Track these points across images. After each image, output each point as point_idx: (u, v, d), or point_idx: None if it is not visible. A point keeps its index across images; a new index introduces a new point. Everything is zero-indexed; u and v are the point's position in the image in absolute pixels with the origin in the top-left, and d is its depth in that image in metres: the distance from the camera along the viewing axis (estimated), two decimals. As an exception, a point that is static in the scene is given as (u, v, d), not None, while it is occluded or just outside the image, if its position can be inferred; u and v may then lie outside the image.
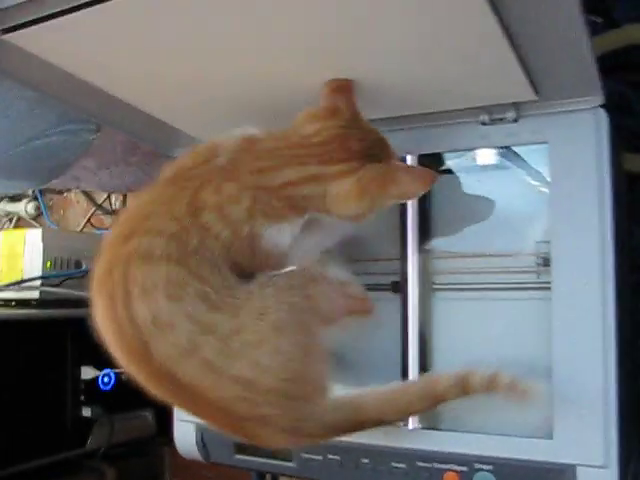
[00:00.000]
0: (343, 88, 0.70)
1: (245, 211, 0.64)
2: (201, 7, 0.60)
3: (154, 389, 0.61)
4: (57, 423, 1.15)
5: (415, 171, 0.73)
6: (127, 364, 0.61)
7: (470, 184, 0.85)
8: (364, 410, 0.67)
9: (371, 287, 0.86)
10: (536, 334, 0.76)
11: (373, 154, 0.68)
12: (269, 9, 0.59)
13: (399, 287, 0.82)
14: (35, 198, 1.51)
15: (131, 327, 0.59)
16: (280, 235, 0.66)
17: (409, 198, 0.74)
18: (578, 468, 0.70)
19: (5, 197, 1.55)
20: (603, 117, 0.72)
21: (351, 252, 0.86)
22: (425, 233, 0.84)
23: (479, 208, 0.83)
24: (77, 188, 1.24)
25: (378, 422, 0.69)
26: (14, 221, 1.55)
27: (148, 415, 1.25)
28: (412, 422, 0.78)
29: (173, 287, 0.60)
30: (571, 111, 0.72)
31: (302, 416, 0.64)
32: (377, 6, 0.57)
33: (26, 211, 1.50)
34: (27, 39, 0.66)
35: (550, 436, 0.71)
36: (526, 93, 0.70)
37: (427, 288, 0.83)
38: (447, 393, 0.69)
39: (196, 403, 0.61)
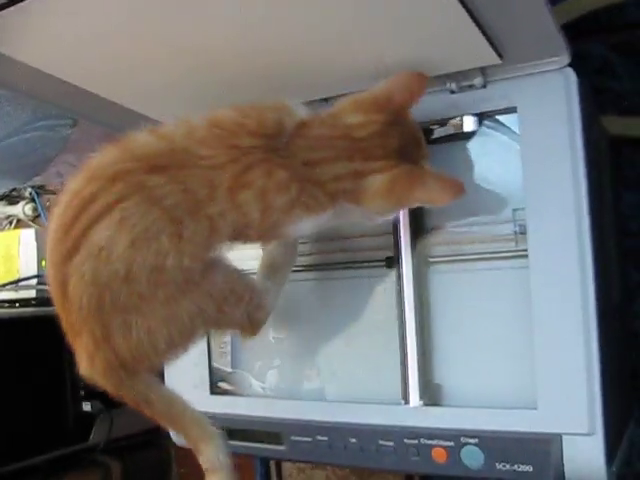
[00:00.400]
0: (415, 85, 0.70)
1: (288, 202, 0.65)
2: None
3: (50, 278, 0.64)
4: (58, 419, 1.16)
5: (445, 180, 0.69)
6: (53, 245, 0.64)
7: (453, 153, 0.83)
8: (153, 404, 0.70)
9: (365, 264, 0.85)
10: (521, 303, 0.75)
11: (408, 153, 0.69)
12: None
13: (393, 262, 0.81)
14: (32, 200, 1.53)
15: (80, 227, 0.61)
16: (308, 223, 0.69)
17: (434, 204, 0.72)
18: (564, 437, 0.69)
19: (3, 200, 1.57)
20: (572, 76, 0.70)
21: (343, 228, 0.85)
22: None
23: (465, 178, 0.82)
24: (62, 184, 1.24)
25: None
26: (14, 223, 1.57)
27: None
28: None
29: (145, 236, 0.61)
30: (538, 73, 0.71)
31: (119, 378, 0.66)
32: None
33: (24, 213, 1.52)
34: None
35: (534, 406, 0.70)
36: (489, 57, 0.69)
37: (422, 261, 0.81)
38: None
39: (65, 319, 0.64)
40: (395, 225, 0.81)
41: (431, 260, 0.81)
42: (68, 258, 0.62)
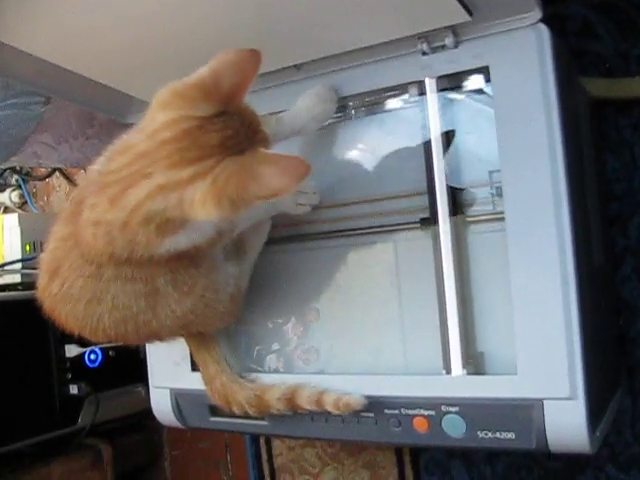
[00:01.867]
0: (247, 64, 0.59)
1: (126, 246, 0.62)
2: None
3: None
4: (46, 402, 1.16)
5: (281, 162, 0.58)
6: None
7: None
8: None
9: (398, 226, 0.81)
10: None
11: (236, 144, 0.59)
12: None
13: (429, 223, 0.77)
14: (19, 187, 1.52)
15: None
16: (180, 241, 0.63)
17: (276, 196, 0.58)
18: (545, 402, 0.67)
19: (-12, 188, 1.57)
20: (544, 32, 0.68)
21: (373, 190, 0.82)
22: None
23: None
24: (39, 165, 1.25)
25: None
26: (1, 210, 1.57)
27: (141, 390, 1.25)
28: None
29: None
30: (510, 30, 0.69)
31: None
32: None
33: (11, 200, 1.51)
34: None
35: (514, 371, 0.69)
36: (458, 14, 0.67)
37: (459, 221, 0.76)
38: (273, 405, 0.78)
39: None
40: (430, 184, 0.76)
41: (470, 220, 0.77)
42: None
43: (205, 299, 0.74)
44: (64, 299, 0.69)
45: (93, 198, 0.62)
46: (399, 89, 0.79)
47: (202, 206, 0.57)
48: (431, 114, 0.77)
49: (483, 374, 0.74)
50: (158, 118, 0.59)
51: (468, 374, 0.74)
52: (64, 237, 0.68)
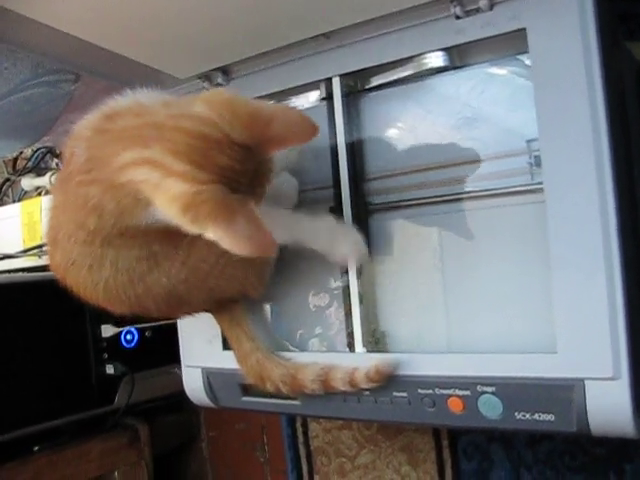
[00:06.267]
0: (301, 132, 0.61)
1: (114, 211, 0.62)
2: None
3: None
4: (82, 381, 1.17)
5: (255, 230, 0.57)
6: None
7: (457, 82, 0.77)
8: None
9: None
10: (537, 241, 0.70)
11: (234, 181, 0.58)
12: None
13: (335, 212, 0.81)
14: (59, 170, 1.54)
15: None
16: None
17: (231, 248, 0.57)
18: (587, 382, 0.64)
19: (31, 172, 1.58)
20: (587, -8, 0.64)
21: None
22: (358, 155, 0.82)
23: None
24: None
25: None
26: (43, 194, 1.59)
27: (177, 371, 1.25)
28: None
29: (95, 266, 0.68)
30: (549, -12, 0.65)
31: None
32: None
33: (51, 183, 1.53)
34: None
35: (553, 350, 0.65)
36: (492, -28, 0.63)
37: (362, 210, 0.81)
38: (307, 385, 0.77)
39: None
40: (336, 175, 0.80)
41: (372, 207, 0.82)
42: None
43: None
44: (68, 267, 0.68)
45: (88, 160, 0.62)
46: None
47: (169, 202, 0.56)
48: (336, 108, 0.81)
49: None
50: (195, 107, 0.59)
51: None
52: (56, 206, 0.69)
